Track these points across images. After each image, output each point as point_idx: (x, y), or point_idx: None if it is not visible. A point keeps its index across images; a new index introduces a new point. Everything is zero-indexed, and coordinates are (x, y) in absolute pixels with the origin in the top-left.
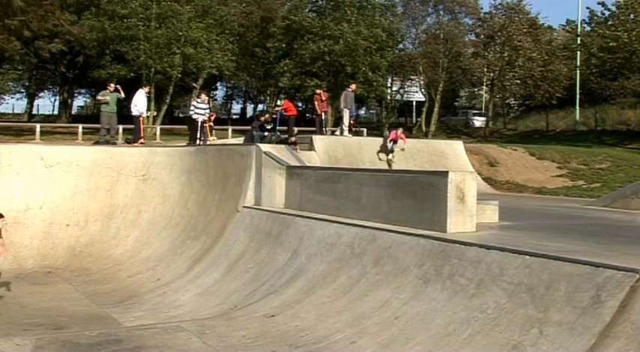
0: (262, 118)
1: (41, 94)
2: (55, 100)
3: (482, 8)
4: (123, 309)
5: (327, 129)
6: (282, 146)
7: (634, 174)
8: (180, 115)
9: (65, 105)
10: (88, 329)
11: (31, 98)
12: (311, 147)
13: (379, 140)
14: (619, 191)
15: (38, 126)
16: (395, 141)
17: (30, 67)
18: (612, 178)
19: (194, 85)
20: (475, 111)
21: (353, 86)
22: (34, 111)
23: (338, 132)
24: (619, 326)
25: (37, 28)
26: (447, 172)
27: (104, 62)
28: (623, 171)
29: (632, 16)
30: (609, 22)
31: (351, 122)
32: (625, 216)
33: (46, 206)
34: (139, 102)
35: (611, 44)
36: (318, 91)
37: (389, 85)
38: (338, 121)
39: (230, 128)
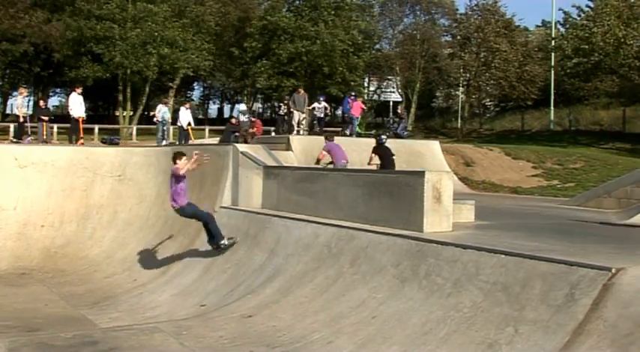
0: (234, 120)
1: (14, 93)
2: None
3: (457, 9)
4: (99, 310)
5: (302, 128)
6: (259, 146)
7: (607, 173)
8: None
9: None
10: (63, 331)
11: (5, 97)
12: (288, 147)
13: (358, 140)
14: (592, 190)
15: (12, 125)
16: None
17: (1, 66)
18: (586, 178)
19: (170, 85)
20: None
21: (301, 90)
22: (7, 111)
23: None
24: (592, 323)
25: (8, 27)
26: (424, 172)
27: (80, 63)
28: (596, 170)
29: (607, 18)
30: (583, 23)
31: (314, 123)
32: (598, 215)
33: (21, 206)
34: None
35: (584, 46)
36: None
37: (366, 84)
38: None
39: (207, 128)
